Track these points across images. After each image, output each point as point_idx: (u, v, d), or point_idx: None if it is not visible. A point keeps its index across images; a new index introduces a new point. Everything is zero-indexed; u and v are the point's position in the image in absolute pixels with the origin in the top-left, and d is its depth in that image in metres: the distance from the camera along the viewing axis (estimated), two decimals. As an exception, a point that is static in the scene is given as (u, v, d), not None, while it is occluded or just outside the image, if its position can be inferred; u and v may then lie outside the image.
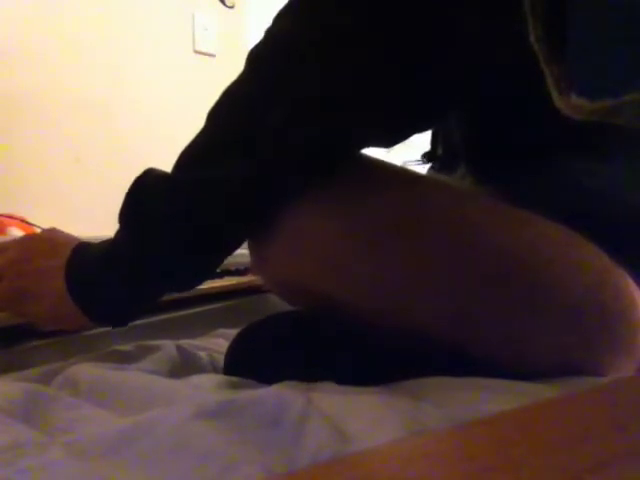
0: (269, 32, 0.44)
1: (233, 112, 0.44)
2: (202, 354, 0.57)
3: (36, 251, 0.51)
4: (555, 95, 0.29)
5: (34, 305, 0.50)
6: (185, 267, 0.46)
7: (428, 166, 0.67)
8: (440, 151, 0.62)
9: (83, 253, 0.49)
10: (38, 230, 0.86)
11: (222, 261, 0.47)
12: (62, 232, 0.54)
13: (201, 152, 0.45)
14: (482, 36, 0.38)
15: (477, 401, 0.36)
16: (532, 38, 0.29)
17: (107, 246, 0.48)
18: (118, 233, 0.47)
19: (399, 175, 0.46)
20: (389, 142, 0.45)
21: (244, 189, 0.43)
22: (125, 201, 0.47)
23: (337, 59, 0.40)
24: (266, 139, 0.42)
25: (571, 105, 0.28)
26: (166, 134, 1.50)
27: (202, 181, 0.43)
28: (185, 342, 0.60)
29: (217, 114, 0.45)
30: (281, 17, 0.43)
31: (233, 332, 0.66)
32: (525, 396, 0.37)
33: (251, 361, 0.48)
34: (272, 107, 0.42)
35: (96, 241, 0.50)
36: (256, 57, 0.44)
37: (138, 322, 0.59)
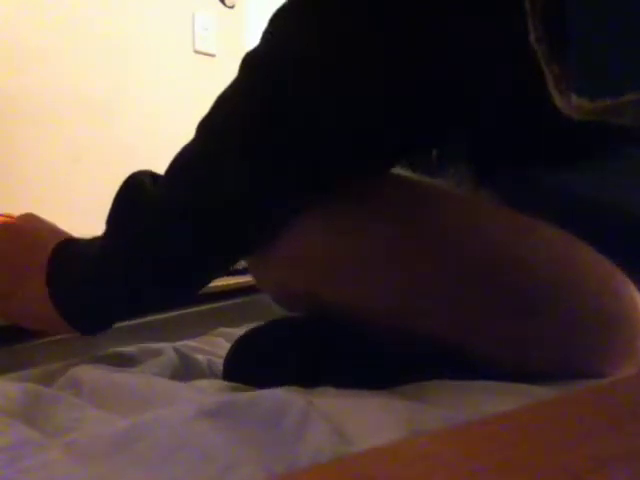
0: (264, 37, 0.42)
1: (229, 123, 0.42)
2: (201, 358, 0.57)
3: (15, 246, 0.48)
4: (555, 95, 0.29)
5: (14, 305, 0.48)
6: (180, 283, 0.46)
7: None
8: (434, 154, 0.61)
9: (65, 256, 0.46)
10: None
11: (221, 275, 0.46)
12: (41, 222, 0.51)
13: (195, 165, 0.43)
14: (482, 36, 0.38)
15: (477, 402, 0.36)
16: (532, 38, 0.29)
17: (92, 255, 0.45)
18: (105, 243, 0.45)
19: (399, 183, 0.46)
20: (390, 159, 0.44)
21: (242, 205, 0.42)
22: (112, 211, 0.45)
23: (337, 66, 0.39)
24: (265, 155, 0.41)
25: (571, 105, 0.28)
26: (166, 134, 1.50)
27: (198, 197, 0.42)
28: (185, 344, 0.60)
29: (212, 125, 0.43)
30: (277, 20, 0.42)
31: (234, 331, 0.66)
32: (525, 397, 0.37)
33: (250, 368, 0.47)
34: (271, 120, 0.40)
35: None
36: (252, 64, 0.42)
37: (139, 321, 0.60)
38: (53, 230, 0.50)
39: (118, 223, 0.45)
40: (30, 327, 0.51)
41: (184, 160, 0.44)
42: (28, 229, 0.50)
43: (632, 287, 0.43)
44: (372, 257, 0.43)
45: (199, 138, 0.44)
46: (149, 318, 0.64)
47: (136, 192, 0.45)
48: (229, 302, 0.86)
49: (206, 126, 0.44)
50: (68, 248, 0.47)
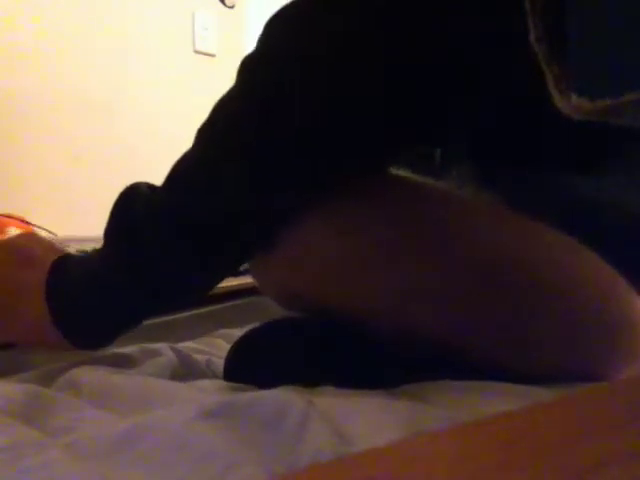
0: (262, 39, 0.42)
1: (229, 127, 0.42)
2: (200, 358, 0.57)
3: (11, 263, 0.47)
4: (556, 95, 0.29)
5: (12, 325, 0.46)
6: (182, 290, 0.45)
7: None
8: (438, 156, 0.61)
9: (64, 272, 0.45)
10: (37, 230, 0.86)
11: (220, 281, 0.46)
12: (40, 238, 0.51)
13: (195, 170, 0.43)
14: (482, 36, 0.38)
15: (477, 403, 0.36)
16: (532, 38, 0.29)
17: (92, 267, 0.45)
18: (104, 253, 0.45)
19: (399, 183, 0.45)
20: (389, 158, 0.44)
21: (243, 209, 0.42)
22: (111, 220, 0.45)
23: (333, 72, 0.39)
24: (264, 156, 0.41)
25: (571, 105, 0.28)
26: (166, 134, 1.50)
27: (199, 202, 0.42)
28: (184, 345, 0.60)
29: (211, 130, 0.43)
30: (275, 22, 0.42)
31: (233, 332, 0.66)
32: (525, 398, 0.37)
33: (251, 367, 0.47)
34: (271, 121, 0.40)
35: (93, 242, 0.48)
36: (251, 67, 0.42)
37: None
38: (50, 246, 0.49)
39: (117, 233, 0.45)
40: (30, 344, 0.50)
41: (184, 165, 0.44)
42: (23, 246, 0.48)
43: (632, 291, 0.43)
44: (372, 257, 0.43)
45: (198, 143, 0.43)
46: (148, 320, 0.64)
47: (135, 201, 0.44)
48: (228, 304, 0.86)
49: (205, 130, 0.43)
50: (66, 263, 0.46)
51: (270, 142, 0.41)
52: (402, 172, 0.48)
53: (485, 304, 0.42)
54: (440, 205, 0.45)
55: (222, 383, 0.45)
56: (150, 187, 0.45)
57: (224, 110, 0.43)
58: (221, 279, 0.46)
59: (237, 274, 0.89)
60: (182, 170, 0.44)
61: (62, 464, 0.27)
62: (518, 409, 0.26)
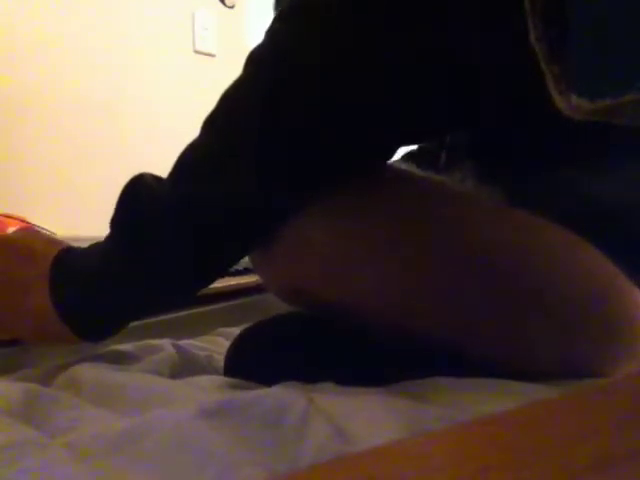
0: (269, 34, 0.42)
1: (232, 122, 0.42)
2: (201, 355, 0.57)
3: (12, 259, 0.46)
4: (556, 95, 0.29)
5: (15, 321, 0.46)
6: (183, 283, 0.45)
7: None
8: (443, 157, 0.61)
9: (67, 264, 0.45)
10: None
11: (223, 274, 0.46)
12: (39, 233, 0.50)
13: (199, 165, 0.43)
14: (482, 36, 0.38)
15: (477, 401, 0.36)
16: (532, 38, 0.29)
17: (96, 259, 0.45)
18: (108, 245, 0.45)
19: (400, 180, 0.46)
20: (390, 152, 0.44)
21: (244, 205, 0.42)
22: (116, 212, 0.45)
23: (340, 64, 0.39)
24: (266, 153, 0.41)
25: (571, 105, 0.28)
26: (166, 134, 1.50)
27: (201, 197, 0.42)
28: (185, 342, 0.60)
29: (215, 123, 0.43)
30: (281, 18, 0.42)
31: (233, 331, 0.66)
32: (525, 396, 0.37)
33: (251, 363, 0.47)
34: (273, 119, 0.40)
35: (93, 242, 0.47)
36: (256, 61, 0.42)
37: (139, 322, 0.59)
38: (49, 240, 0.49)
39: (120, 226, 0.45)
40: (34, 341, 0.50)
41: (188, 158, 0.44)
42: (23, 241, 0.48)
43: (634, 289, 0.43)
44: (372, 254, 0.43)
45: (203, 136, 0.44)
46: (150, 319, 0.64)
47: (141, 193, 0.45)
48: (228, 304, 0.86)
49: (210, 124, 0.44)
50: (69, 256, 0.46)
51: (272, 140, 0.41)
52: (406, 166, 0.47)
53: (485, 302, 0.42)
54: (441, 202, 0.45)
55: (222, 380, 0.45)
56: (155, 178, 0.46)
57: (229, 104, 0.43)
58: (219, 276, 0.46)
59: (234, 274, 0.90)
60: (186, 164, 0.44)
61: (62, 464, 0.27)
62: (518, 408, 0.26)
